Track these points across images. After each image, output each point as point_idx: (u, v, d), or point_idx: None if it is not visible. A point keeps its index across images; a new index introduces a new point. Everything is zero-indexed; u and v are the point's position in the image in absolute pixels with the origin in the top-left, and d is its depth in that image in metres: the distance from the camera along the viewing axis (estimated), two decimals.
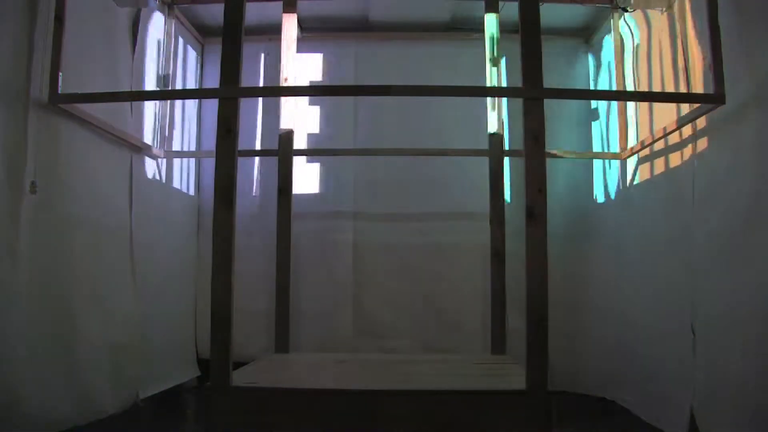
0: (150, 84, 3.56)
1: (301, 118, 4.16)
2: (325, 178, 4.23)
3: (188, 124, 4.13)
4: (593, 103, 4.12)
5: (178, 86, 3.92)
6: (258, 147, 4.21)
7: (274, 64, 3.89)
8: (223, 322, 2.29)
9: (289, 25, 3.68)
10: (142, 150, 3.41)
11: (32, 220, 2.38)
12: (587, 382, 3.82)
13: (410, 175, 4.16)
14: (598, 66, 4.10)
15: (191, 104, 4.19)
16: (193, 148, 4.20)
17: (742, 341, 2.28)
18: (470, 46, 4.17)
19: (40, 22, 2.47)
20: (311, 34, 4.23)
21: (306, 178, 4.20)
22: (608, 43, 3.82)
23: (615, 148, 3.72)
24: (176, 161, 3.92)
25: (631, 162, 3.51)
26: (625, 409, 3.33)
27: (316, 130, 4.25)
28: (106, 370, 2.89)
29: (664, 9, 3.09)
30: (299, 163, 4.14)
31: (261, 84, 4.23)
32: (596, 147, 4.06)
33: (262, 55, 4.24)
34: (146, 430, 3.21)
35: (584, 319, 3.91)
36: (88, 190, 2.86)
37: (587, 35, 4.20)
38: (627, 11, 3.47)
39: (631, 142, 3.52)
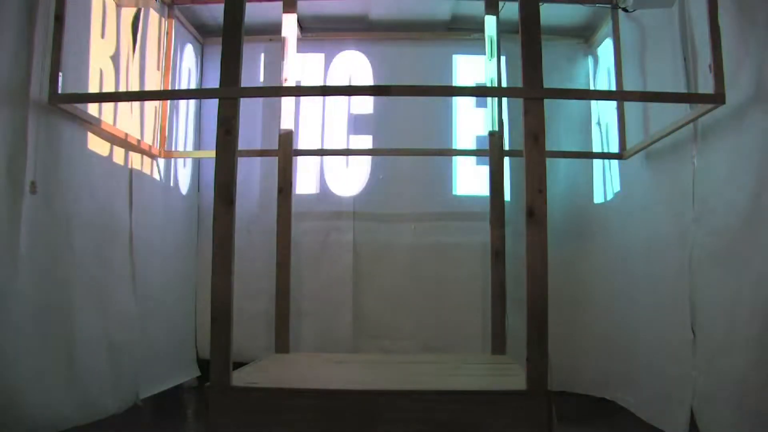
0: (150, 84, 3.56)
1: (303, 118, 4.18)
2: (326, 178, 4.23)
3: (188, 123, 4.13)
4: (593, 103, 4.12)
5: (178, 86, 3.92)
6: (258, 147, 4.20)
7: (274, 64, 3.89)
8: (223, 322, 2.29)
9: (289, 25, 3.68)
10: (142, 150, 3.41)
11: (32, 220, 2.38)
12: (587, 382, 3.82)
13: (410, 176, 4.16)
14: (598, 66, 4.10)
15: (191, 104, 4.19)
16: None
17: (742, 341, 2.28)
18: (470, 46, 4.17)
19: (40, 22, 2.47)
20: (311, 34, 4.23)
21: (306, 178, 4.21)
22: (608, 43, 3.82)
23: (615, 148, 3.72)
24: (176, 161, 3.92)
25: (631, 162, 3.51)
26: (625, 409, 3.33)
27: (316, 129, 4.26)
28: (106, 370, 2.89)
29: (664, 9, 3.09)
30: (300, 163, 4.15)
31: (261, 84, 4.23)
32: (596, 147, 4.06)
33: (262, 55, 4.24)
34: (146, 430, 3.21)
35: (584, 319, 3.91)
36: (88, 190, 2.86)
37: (587, 35, 4.19)
38: (627, 11, 3.47)
39: (631, 142, 3.52)
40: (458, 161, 4.20)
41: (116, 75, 3.14)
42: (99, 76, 2.98)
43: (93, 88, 2.90)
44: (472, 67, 4.19)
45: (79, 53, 2.79)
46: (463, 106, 4.20)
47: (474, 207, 4.03)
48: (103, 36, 3.02)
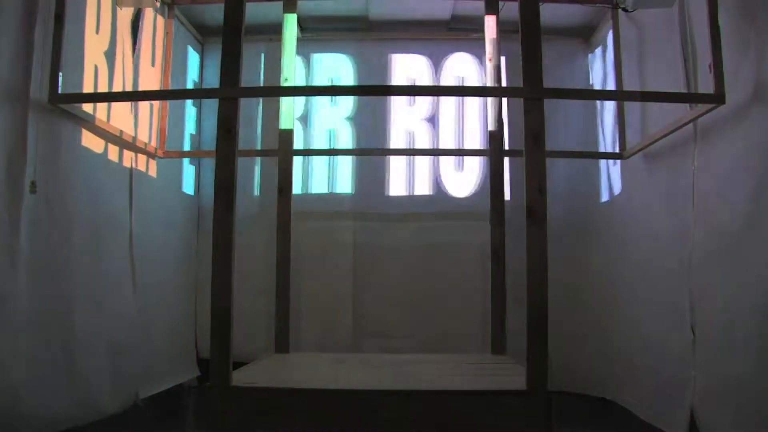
0: (150, 84, 3.56)
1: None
2: (325, 178, 4.22)
3: (188, 123, 4.13)
4: (593, 103, 4.12)
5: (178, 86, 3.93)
6: (258, 147, 4.21)
7: (274, 64, 3.89)
8: (223, 322, 2.29)
9: (289, 25, 3.68)
10: (142, 150, 3.41)
11: (32, 220, 2.38)
12: (587, 382, 3.82)
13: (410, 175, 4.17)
14: (597, 66, 4.10)
15: (191, 104, 4.19)
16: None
17: (742, 341, 2.28)
18: (470, 46, 4.17)
19: (40, 22, 2.47)
20: (311, 34, 4.23)
21: (306, 178, 4.21)
22: (608, 43, 3.82)
23: (615, 147, 3.72)
24: (176, 161, 3.92)
25: (632, 162, 3.51)
26: (625, 409, 3.33)
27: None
28: (106, 370, 2.89)
29: (663, 9, 3.09)
30: (299, 163, 4.15)
31: (261, 84, 4.23)
32: (596, 147, 4.06)
33: (262, 55, 4.25)
34: (146, 430, 3.21)
35: (584, 319, 3.91)
36: (88, 190, 2.86)
37: (587, 35, 4.19)
38: (627, 11, 3.47)
39: (632, 142, 3.52)
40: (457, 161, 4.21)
41: (110, 71, 3.10)
42: (94, 72, 2.96)
43: (88, 85, 2.88)
44: (472, 67, 4.21)
45: (74, 49, 2.77)
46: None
47: (474, 207, 4.03)
48: (97, 32, 2.99)
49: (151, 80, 3.56)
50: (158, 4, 3.49)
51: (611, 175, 3.84)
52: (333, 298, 4.08)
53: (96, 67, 2.98)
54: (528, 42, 2.36)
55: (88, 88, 2.88)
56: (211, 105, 3.57)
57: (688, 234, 2.71)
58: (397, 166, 4.22)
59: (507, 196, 3.82)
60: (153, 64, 3.58)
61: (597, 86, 4.06)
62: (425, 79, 4.21)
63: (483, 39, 3.73)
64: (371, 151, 4.11)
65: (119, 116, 3.19)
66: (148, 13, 3.49)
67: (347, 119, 4.21)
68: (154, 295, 3.46)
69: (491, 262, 3.53)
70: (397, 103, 4.24)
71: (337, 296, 4.08)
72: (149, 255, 3.41)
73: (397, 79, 4.20)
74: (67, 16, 2.64)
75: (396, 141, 4.22)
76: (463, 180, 4.22)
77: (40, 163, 2.44)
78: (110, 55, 3.11)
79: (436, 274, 4.07)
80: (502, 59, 3.78)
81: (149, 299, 3.37)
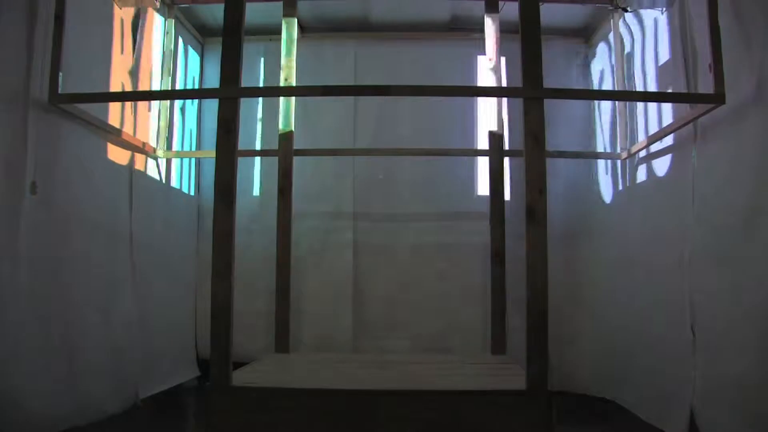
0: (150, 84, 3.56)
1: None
2: (325, 178, 4.22)
3: (188, 123, 4.13)
4: (593, 103, 4.12)
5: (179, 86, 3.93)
6: (258, 147, 4.21)
7: (274, 64, 3.89)
8: (223, 323, 2.29)
9: (289, 25, 3.68)
10: (142, 150, 3.41)
11: (32, 220, 2.38)
12: (587, 382, 3.82)
13: (410, 175, 4.16)
14: (597, 66, 4.10)
15: (191, 104, 4.19)
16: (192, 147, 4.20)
17: (741, 341, 2.28)
18: (470, 46, 4.17)
19: (40, 22, 2.47)
20: (311, 34, 4.23)
21: (306, 178, 4.21)
22: (608, 43, 3.82)
23: (615, 148, 3.72)
24: (176, 161, 3.92)
25: (631, 162, 3.51)
26: (625, 409, 3.33)
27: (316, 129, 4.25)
28: (106, 370, 2.89)
29: (663, 9, 3.09)
30: (299, 162, 4.15)
31: (261, 84, 4.23)
32: (596, 147, 4.06)
33: (262, 55, 4.25)
34: (146, 430, 3.21)
35: (584, 320, 3.91)
36: (88, 190, 2.86)
37: (587, 35, 4.20)
38: (627, 11, 3.47)
39: (632, 141, 3.52)
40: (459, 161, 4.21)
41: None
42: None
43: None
44: (472, 68, 4.21)
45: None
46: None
47: (474, 207, 4.03)
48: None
49: (151, 80, 3.56)
50: (158, 4, 3.49)
51: (611, 175, 3.84)
52: (333, 298, 4.07)
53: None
54: (528, 42, 2.36)
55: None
56: (211, 105, 3.56)
57: (688, 234, 2.71)
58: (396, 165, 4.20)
59: (507, 196, 3.81)
60: (153, 64, 3.58)
61: (597, 86, 4.06)
62: (426, 79, 4.20)
63: (483, 39, 3.73)
64: (371, 151, 4.11)
65: (119, 116, 3.20)
66: (149, 13, 3.49)
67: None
68: (154, 295, 3.45)
69: (491, 262, 3.53)
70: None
71: (337, 296, 4.08)
72: (149, 255, 3.41)
73: (398, 78, 4.19)
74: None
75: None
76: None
77: (40, 163, 2.44)
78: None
79: (436, 274, 4.06)
80: (502, 59, 3.78)
81: (149, 299, 3.37)
